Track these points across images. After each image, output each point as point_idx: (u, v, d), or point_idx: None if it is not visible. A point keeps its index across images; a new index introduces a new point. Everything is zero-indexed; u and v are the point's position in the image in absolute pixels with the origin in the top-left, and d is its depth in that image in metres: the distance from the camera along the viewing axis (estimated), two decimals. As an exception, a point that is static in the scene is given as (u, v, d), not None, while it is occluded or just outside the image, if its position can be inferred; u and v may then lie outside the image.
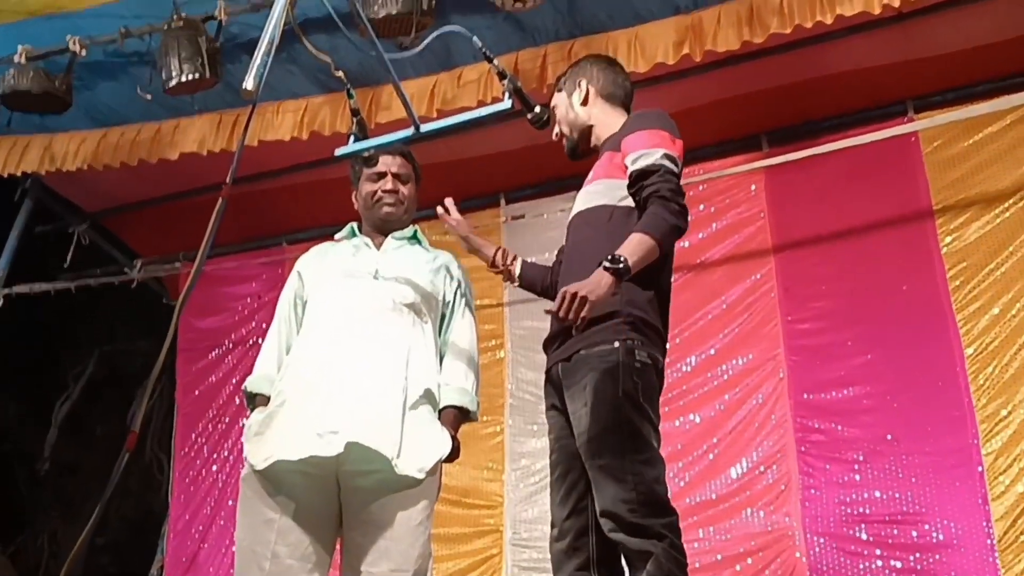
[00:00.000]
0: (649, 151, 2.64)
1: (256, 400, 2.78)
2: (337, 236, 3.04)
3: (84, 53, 4.53)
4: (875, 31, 4.48)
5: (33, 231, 5.94)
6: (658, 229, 2.48)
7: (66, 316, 7.61)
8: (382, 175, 2.96)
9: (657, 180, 2.57)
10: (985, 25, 4.49)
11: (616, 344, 2.49)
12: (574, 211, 2.87)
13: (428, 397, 2.70)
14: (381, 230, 2.97)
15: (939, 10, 4.36)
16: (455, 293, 2.95)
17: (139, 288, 6.37)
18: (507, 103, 2.65)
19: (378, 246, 2.94)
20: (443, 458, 2.65)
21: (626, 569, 2.53)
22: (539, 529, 4.80)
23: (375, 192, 2.96)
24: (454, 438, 2.70)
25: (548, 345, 2.77)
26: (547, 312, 2.37)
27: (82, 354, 8.52)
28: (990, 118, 4.62)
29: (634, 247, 2.44)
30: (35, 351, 8.05)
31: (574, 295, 2.32)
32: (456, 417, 2.76)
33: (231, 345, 5.99)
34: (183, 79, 4.25)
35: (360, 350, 2.67)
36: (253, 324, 5.99)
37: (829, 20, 4.07)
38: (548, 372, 2.76)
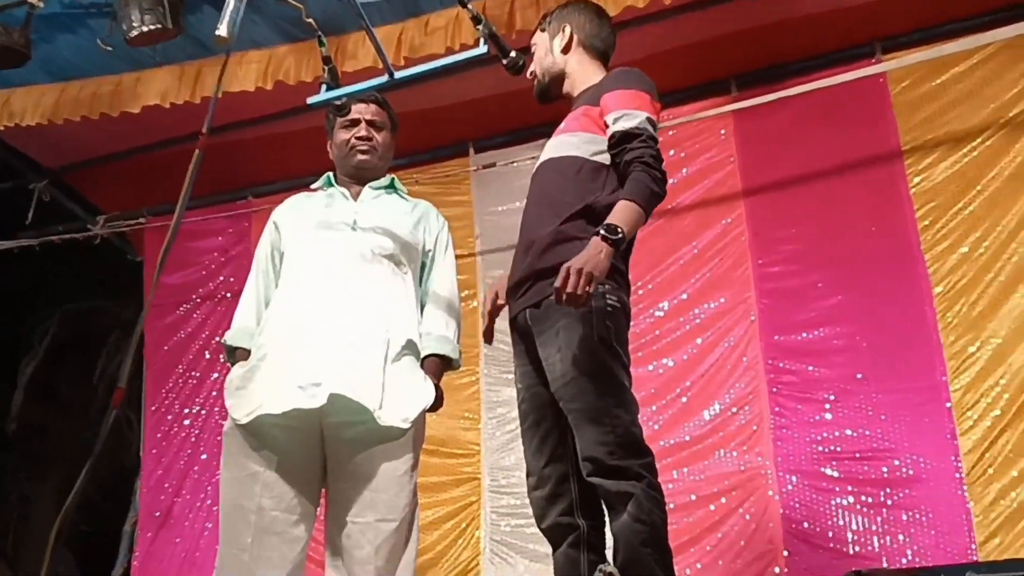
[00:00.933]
0: (632, 113, 2.64)
1: (236, 354, 2.77)
2: (313, 186, 3.01)
3: (42, 5, 4.40)
4: (843, -29, 4.47)
5: (-8, 189, 5.84)
6: (644, 196, 2.50)
7: (27, 275, 7.49)
8: (355, 122, 2.92)
9: (640, 146, 2.58)
10: (953, -36, 4.50)
11: None
12: (543, 158, 2.86)
13: (410, 347, 2.70)
14: (357, 179, 2.94)
15: (907, -52, 4.36)
16: (435, 241, 2.94)
17: (102, 245, 6.27)
18: (483, 48, 2.62)
19: (355, 196, 2.91)
20: (427, 408, 2.66)
21: (604, 511, 2.57)
22: (516, 476, 4.84)
23: (349, 140, 2.92)
24: (437, 387, 2.70)
25: (512, 292, 2.77)
26: (554, 288, 2.35)
27: (45, 314, 8.41)
28: (957, 58, 4.62)
29: (626, 215, 2.45)
30: (-3, 312, 7.94)
31: (579, 271, 2.31)
32: (438, 366, 2.76)
33: (199, 300, 5.94)
34: (144, 30, 4.15)
35: (341, 302, 2.66)
36: (221, 279, 5.94)
37: (799, -40, 4.07)
38: (514, 319, 2.76)
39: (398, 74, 2.64)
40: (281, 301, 2.76)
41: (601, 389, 2.47)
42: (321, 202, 2.91)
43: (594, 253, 2.36)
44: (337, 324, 2.61)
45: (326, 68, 2.71)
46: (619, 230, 2.39)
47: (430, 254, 2.93)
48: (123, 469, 7.13)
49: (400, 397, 2.59)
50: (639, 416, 2.54)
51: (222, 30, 2.01)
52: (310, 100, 2.71)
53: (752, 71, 5.10)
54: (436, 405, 2.69)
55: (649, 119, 2.63)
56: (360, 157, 2.92)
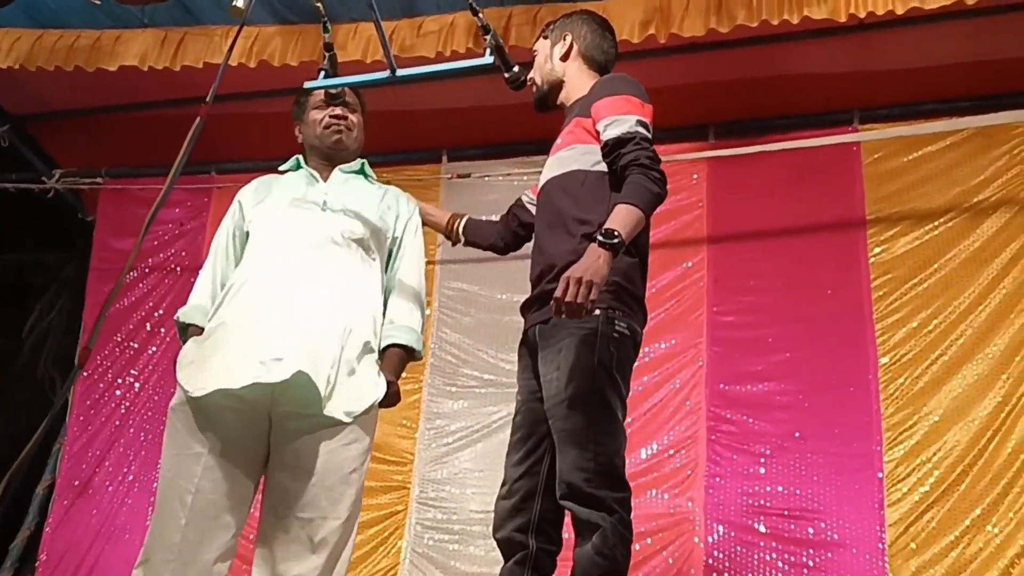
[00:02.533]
0: (622, 118, 2.64)
1: (188, 332, 2.70)
2: (281, 168, 2.96)
3: (32, -53, 4.31)
4: (834, 38, 4.53)
5: (-51, 128, 5.65)
6: (643, 199, 2.48)
7: (-33, 218, 7.27)
8: (341, 100, 2.86)
9: (634, 148, 2.57)
10: (937, 47, 4.60)
11: (597, 312, 2.47)
12: (545, 177, 2.86)
13: (371, 336, 2.65)
14: (330, 160, 2.90)
15: (897, 26, 4.41)
16: (404, 227, 2.89)
17: (53, 199, 6.11)
18: (489, 59, 2.62)
19: (324, 178, 2.86)
20: (376, 402, 2.60)
21: (562, 537, 2.57)
22: (446, 490, 4.81)
23: (323, 119, 2.87)
24: (393, 382, 2.65)
25: (527, 308, 2.78)
26: (554, 299, 2.32)
27: (-20, 260, 8.17)
28: (930, 138, 4.74)
29: (623, 219, 2.42)
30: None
31: (579, 280, 2.27)
32: (401, 357, 2.72)
33: (147, 270, 5.81)
34: (137, -12, 4.09)
35: (306, 282, 2.60)
36: (172, 251, 5.82)
37: (795, 20, 4.14)
38: (525, 334, 2.76)
39: (400, 72, 2.61)
40: (244, 277, 2.67)
41: (591, 414, 2.46)
42: (290, 183, 2.86)
43: (592, 260, 2.32)
44: (300, 303, 2.55)
45: (327, 55, 2.68)
46: (616, 233, 2.35)
47: (398, 240, 2.88)
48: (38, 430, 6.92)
49: (353, 389, 2.54)
50: (625, 447, 2.53)
51: (239, 1, 1.97)
52: (307, 84, 2.68)
53: (731, 121, 5.17)
54: (391, 401, 2.65)
55: (640, 121, 2.63)
56: (337, 136, 2.88)
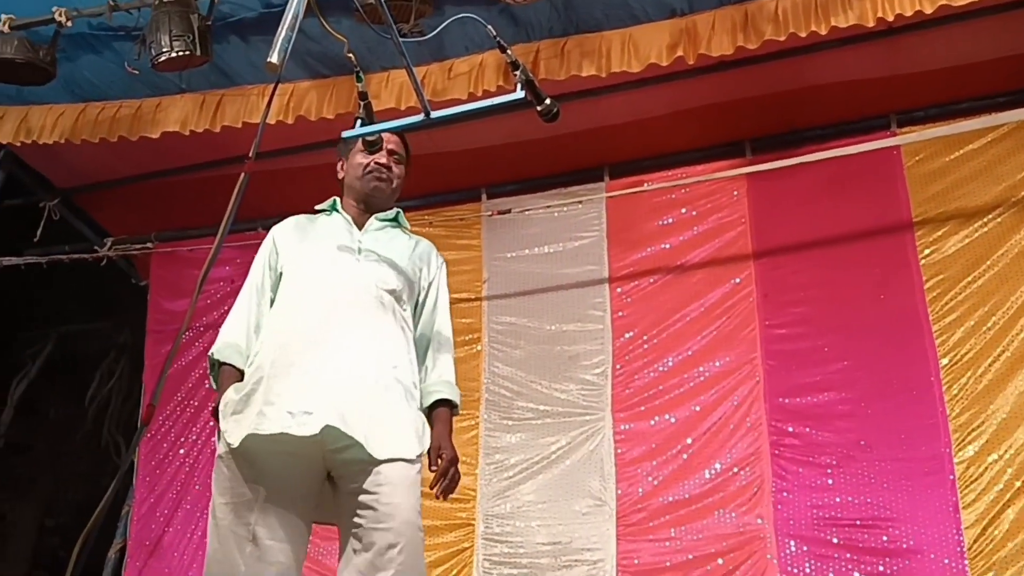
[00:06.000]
0: None
1: (223, 370, 2.71)
2: (317, 207, 2.98)
3: (70, 24, 4.42)
4: (864, 44, 4.51)
5: (1, 204, 5.80)
6: None
7: (24, 293, 7.44)
8: (377, 149, 2.86)
9: None
10: (970, 44, 4.56)
11: None
12: None
13: (406, 385, 2.69)
14: (366, 205, 2.92)
15: (927, 27, 4.39)
16: (432, 283, 2.93)
17: (105, 268, 6.24)
18: (520, 93, 2.63)
19: (359, 225, 2.89)
20: (419, 455, 2.64)
21: None
22: (510, 524, 4.81)
23: (368, 164, 2.91)
24: (454, 455, 2.73)
25: None
26: None
27: (40, 333, 8.34)
28: (971, 135, 4.69)
29: None
30: (-7, 328, 7.86)
31: None
32: (450, 416, 2.78)
33: (201, 328, 5.89)
34: (173, 55, 4.17)
35: (343, 336, 2.64)
36: (225, 308, 5.82)
37: (823, 31, 4.12)
38: None
39: (435, 114, 2.64)
40: (279, 324, 2.71)
41: None
42: (326, 228, 2.89)
43: None
44: (338, 358, 2.59)
45: (362, 104, 2.72)
46: None
47: (428, 293, 2.91)
48: (106, 494, 7.01)
49: (393, 434, 2.58)
50: None
51: (274, 57, 2.02)
52: (345, 133, 2.71)
53: (767, 135, 5.16)
54: (455, 480, 2.75)
55: None
56: (376, 183, 2.91)
